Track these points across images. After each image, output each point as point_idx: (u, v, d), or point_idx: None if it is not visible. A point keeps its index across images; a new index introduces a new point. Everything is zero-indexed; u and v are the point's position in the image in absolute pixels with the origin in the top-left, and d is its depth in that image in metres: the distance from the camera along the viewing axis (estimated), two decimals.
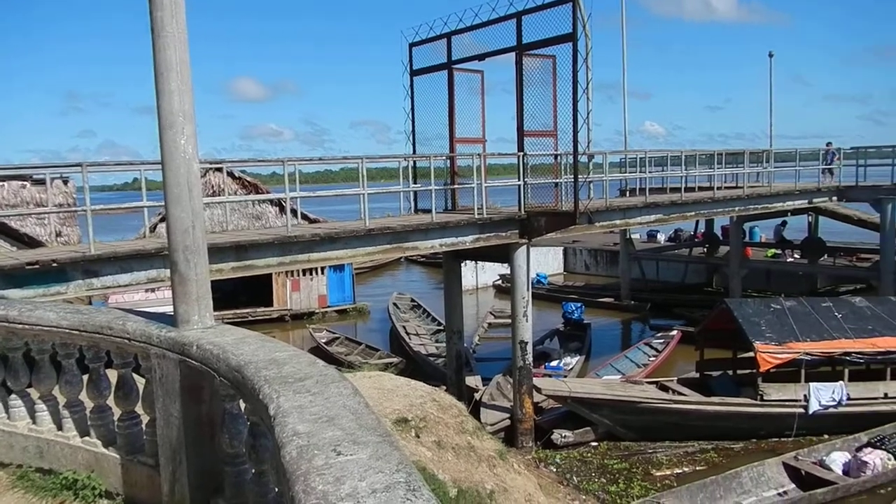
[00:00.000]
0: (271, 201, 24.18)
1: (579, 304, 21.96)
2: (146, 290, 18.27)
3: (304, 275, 25.34)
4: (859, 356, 13.43)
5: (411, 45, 15.21)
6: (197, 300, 4.23)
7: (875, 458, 11.50)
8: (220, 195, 18.94)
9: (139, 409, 4.66)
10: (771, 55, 29.32)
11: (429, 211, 12.62)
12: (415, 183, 14.03)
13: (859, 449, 12.05)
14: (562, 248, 34.32)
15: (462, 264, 17.20)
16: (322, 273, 25.80)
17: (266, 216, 24.25)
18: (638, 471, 12.05)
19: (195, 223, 4.19)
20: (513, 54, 12.93)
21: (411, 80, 15.31)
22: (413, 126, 15.32)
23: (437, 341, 20.54)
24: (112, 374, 4.76)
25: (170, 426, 4.15)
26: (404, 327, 22.48)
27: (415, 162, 14.37)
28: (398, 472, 2.04)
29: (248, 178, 25.15)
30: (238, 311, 24.48)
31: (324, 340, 21.22)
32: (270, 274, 23.62)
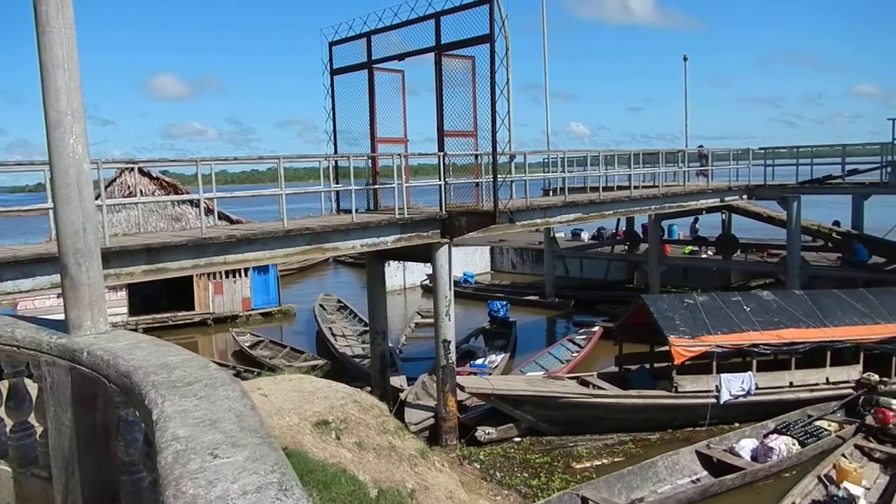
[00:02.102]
0: (192, 202, 23.55)
1: (505, 303, 22.25)
2: (58, 296, 17.52)
3: (226, 277, 24.77)
4: (766, 347, 14.08)
5: (331, 44, 15.09)
6: (90, 305, 4.08)
7: (780, 444, 12.09)
8: (136, 196, 18.29)
9: (32, 419, 4.48)
10: (685, 58, 30.43)
11: (350, 211, 12.55)
12: (337, 183, 13.92)
13: (766, 435, 12.64)
14: (489, 247, 34.69)
15: (387, 265, 17.18)
16: (246, 275, 25.28)
17: (186, 217, 23.57)
18: (559, 464, 12.29)
19: (86, 225, 4.05)
20: (434, 54, 12.99)
21: (332, 80, 15.19)
22: (334, 125, 15.21)
23: (363, 342, 20.44)
24: (3, 384, 4.56)
25: (62, 436, 4.00)
26: (330, 329, 22.27)
27: (336, 162, 14.25)
28: (272, 472, 2.03)
29: (167, 179, 24.42)
30: (158, 316, 23.74)
31: (247, 344, 20.82)
32: (192, 277, 23.04)
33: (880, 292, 16.20)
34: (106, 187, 19.23)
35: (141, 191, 22.73)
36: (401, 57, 14.03)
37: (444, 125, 13.01)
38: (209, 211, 15.51)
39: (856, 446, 12.30)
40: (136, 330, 18.00)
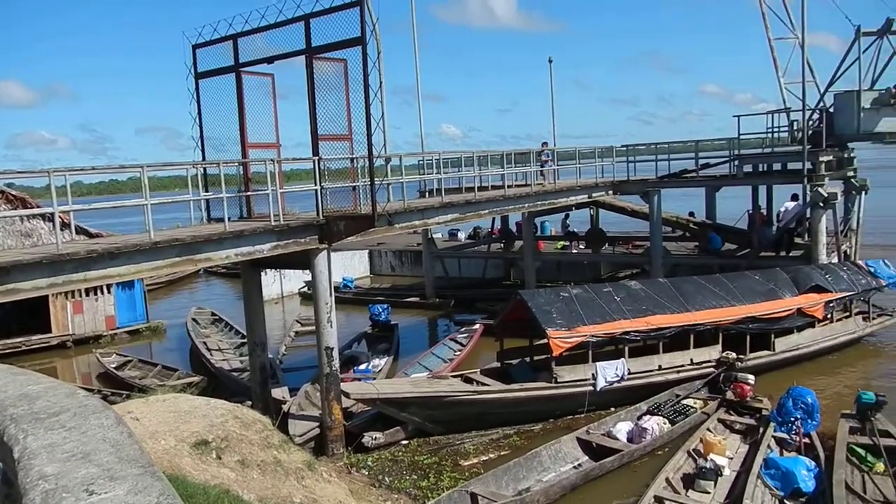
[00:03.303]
0: (44, 216, 21.80)
1: (386, 306, 22.18)
2: None
3: (87, 295, 23.12)
4: (636, 334, 14.80)
5: (195, 47, 14.42)
6: None
7: (653, 424, 12.79)
8: None
9: None
10: (550, 60, 31.56)
11: (222, 220, 12.05)
12: (206, 191, 13.32)
13: (640, 417, 13.33)
14: (367, 251, 34.50)
15: (264, 273, 16.66)
16: (108, 292, 23.72)
17: (38, 233, 21.81)
18: (447, 463, 12.38)
19: None
20: (305, 57, 12.71)
21: (196, 84, 14.52)
22: (201, 131, 14.55)
23: (241, 355, 19.72)
24: None
25: None
26: (205, 343, 21.33)
27: (205, 169, 13.65)
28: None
29: (14, 192, 22.45)
30: (9, 342, 21.80)
31: (113, 365, 19.54)
32: (46, 296, 21.33)
33: (734, 276, 17.52)
34: None
35: None
36: (270, 60, 13.63)
37: (318, 129, 12.77)
38: (65, 225, 14.40)
39: (719, 420, 13.22)
40: None
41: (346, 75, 12.54)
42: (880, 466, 10.59)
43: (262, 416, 10.26)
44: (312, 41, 12.54)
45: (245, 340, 18.12)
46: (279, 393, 15.32)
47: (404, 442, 13.30)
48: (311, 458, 10.13)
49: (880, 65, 21.06)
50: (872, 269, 18.71)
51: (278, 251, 12.46)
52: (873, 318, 18.49)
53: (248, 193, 13.92)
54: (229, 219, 11.99)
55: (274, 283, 29.47)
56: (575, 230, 28.90)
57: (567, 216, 29.57)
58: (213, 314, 25.42)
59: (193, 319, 24.08)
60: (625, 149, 24.95)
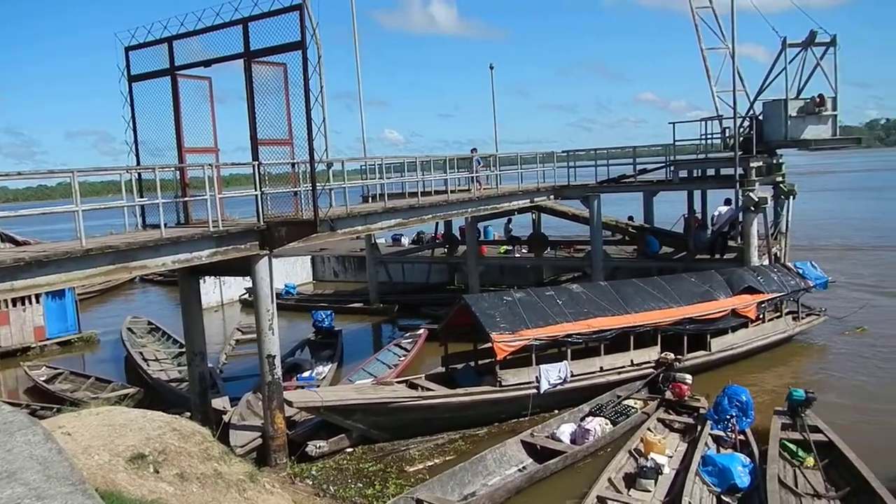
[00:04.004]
0: None
1: (329, 312, 21.97)
2: None
3: (13, 305, 22.15)
4: (579, 337, 15.02)
5: (128, 49, 14.00)
6: None
7: (595, 425, 12.99)
8: None
9: None
10: (492, 67, 31.82)
11: (158, 226, 11.71)
12: (141, 197, 12.93)
13: (582, 419, 13.52)
14: (309, 256, 34.12)
15: (203, 281, 16.26)
16: (37, 301, 22.79)
17: None
18: (393, 470, 12.30)
19: None
20: (244, 61, 12.49)
21: (130, 87, 14.09)
22: (135, 135, 14.12)
23: (179, 365, 19.23)
24: None
25: None
26: (141, 353, 20.69)
27: (140, 174, 13.24)
28: None
29: None
30: None
31: (43, 378, 18.78)
32: None
33: (671, 279, 17.98)
34: None
35: None
36: (207, 63, 13.34)
37: (258, 133, 12.57)
38: None
39: (659, 419, 13.53)
40: None
41: (287, 79, 12.38)
42: (810, 461, 11.00)
43: (201, 427, 9.97)
44: (251, 45, 12.34)
45: (183, 350, 17.68)
46: (219, 403, 14.97)
47: (349, 450, 13.16)
48: (254, 470, 9.90)
49: (805, 75, 21.94)
50: (801, 271, 19.49)
51: (218, 258, 12.20)
52: (802, 318, 19.25)
53: (186, 199, 13.58)
54: (166, 225, 11.66)
55: (214, 291, 28.86)
56: (518, 235, 29.18)
57: (510, 221, 29.88)
58: (149, 323, 24.71)
59: (129, 329, 23.34)
60: (565, 154, 25.37)
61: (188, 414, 13.17)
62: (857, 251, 34.05)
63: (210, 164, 12.52)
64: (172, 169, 13.55)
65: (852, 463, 10.51)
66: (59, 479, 2.11)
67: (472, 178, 21.12)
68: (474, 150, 22.75)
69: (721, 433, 12.22)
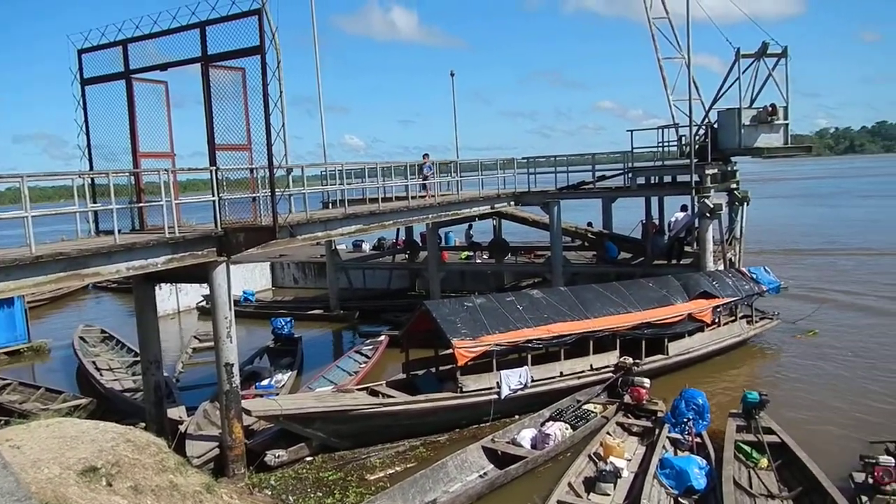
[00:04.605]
0: None
1: (289, 319, 21.70)
2: None
3: None
4: (539, 342, 15.13)
5: (80, 52, 13.68)
6: None
7: (555, 430, 13.08)
8: None
9: None
10: (452, 74, 32.14)
11: (112, 232, 11.43)
12: (94, 202, 12.61)
13: (543, 423, 13.60)
14: (269, 263, 33.74)
15: (158, 288, 15.95)
16: None
17: None
18: (353, 478, 12.19)
19: None
20: (201, 65, 12.30)
21: (83, 90, 13.77)
22: (88, 140, 13.79)
23: (134, 374, 18.80)
24: None
25: None
26: (94, 363, 20.17)
27: (93, 179, 12.93)
28: None
29: None
30: None
31: None
32: None
33: (629, 284, 18.24)
34: None
35: None
36: (163, 67, 13.09)
37: (216, 138, 12.38)
38: None
39: (618, 423, 13.67)
40: None
41: (245, 84, 12.24)
42: (764, 462, 11.26)
43: (156, 438, 9.78)
44: (209, 49, 12.16)
45: (138, 359, 17.27)
46: (176, 413, 14.67)
47: (309, 458, 13.01)
48: (211, 480, 9.73)
49: (758, 85, 22.52)
50: (755, 276, 19.98)
51: (174, 264, 11.96)
52: (756, 322, 19.72)
53: (141, 204, 13.30)
54: (120, 231, 11.40)
55: (170, 298, 28.33)
56: (478, 241, 29.30)
57: (470, 227, 29.95)
58: (102, 332, 24.11)
59: (81, 338, 22.74)
60: (525, 161, 25.60)
61: (143, 424, 12.87)
62: (807, 255, 35.05)
63: (166, 170, 12.28)
64: (127, 174, 13.26)
65: (804, 463, 10.78)
66: (4, 495, 2.04)
67: (421, 184, 21.06)
68: (426, 155, 22.72)
69: (678, 436, 12.42)
